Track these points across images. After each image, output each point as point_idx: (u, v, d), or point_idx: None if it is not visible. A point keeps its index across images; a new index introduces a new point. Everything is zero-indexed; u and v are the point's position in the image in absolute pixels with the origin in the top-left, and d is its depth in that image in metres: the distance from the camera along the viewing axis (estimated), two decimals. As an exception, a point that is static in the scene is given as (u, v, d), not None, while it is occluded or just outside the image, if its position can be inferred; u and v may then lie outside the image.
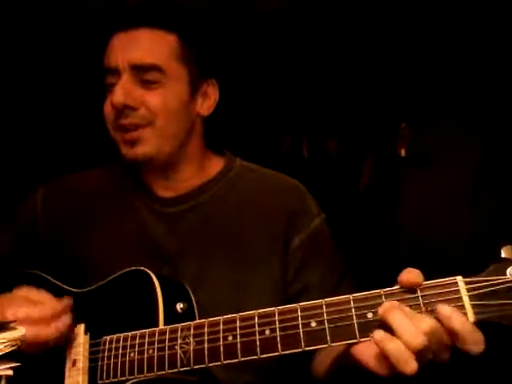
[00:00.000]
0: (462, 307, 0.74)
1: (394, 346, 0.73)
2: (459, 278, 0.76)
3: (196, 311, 0.98)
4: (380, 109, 3.49)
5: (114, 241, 1.13)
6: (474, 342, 0.73)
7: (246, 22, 3.05)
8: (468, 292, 0.75)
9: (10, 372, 0.86)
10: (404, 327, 0.72)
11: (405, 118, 3.48)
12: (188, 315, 0.96)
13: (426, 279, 0.79)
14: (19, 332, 0.88)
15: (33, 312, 0.92)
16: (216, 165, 1.18)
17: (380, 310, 0.76)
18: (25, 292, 0.97)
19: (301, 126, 3.61)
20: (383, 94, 3.46)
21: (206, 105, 1.15)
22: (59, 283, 1.10)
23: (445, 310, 0.74)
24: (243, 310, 0.89)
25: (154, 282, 0.97)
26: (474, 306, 0.74)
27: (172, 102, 1.07)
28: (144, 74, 1.06)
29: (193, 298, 1.00)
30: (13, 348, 0.86)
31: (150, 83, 1.06)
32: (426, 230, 3.37)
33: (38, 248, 1.19)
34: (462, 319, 0.73)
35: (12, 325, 0.88)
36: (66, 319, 0.95)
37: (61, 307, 0.95)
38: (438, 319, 0.74)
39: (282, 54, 3.29)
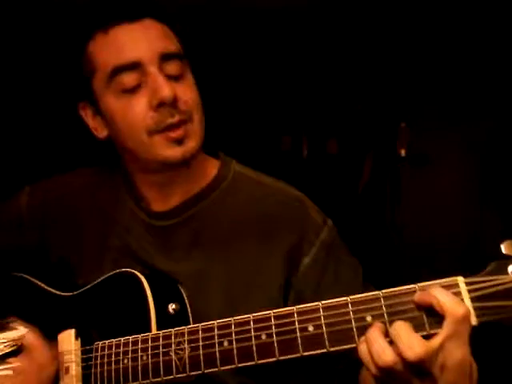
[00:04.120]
0: None
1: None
2: (460, 279, 0.72)
3: (189, 310, 0.95)
4: (380, 109, 3.49)
5: (102, 247, 1.09)
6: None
7: (245, 21, 3.05)
8: (469, 293, 0.71)
9: (10, 372, 0.86)
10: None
11: (405, 118, 3.48)
12: (181, 316, 0.94)
13: (427, 278, 0.76)
14: (19, 332, 0.88)
15: None
16: (210, 171, 1.09)
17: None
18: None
19: (301, 126, 3.61)
20: (383, 93, 3.46)
21: None
22: (46, 287, 1.07)
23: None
24: None
25: (143, 284, 0.94)
26: (476, 309, 0.70)
27: (198, 93, 1.01)
28: (167, 66, 0.96)
29: (185, 296, 0.96)
30: (13, 348, 0.86)
31: (177, 78, 0.97)
32: (425, 230, 3.37)
33: (24, 249, 1.15)
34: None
35: (12, 325, 0.88)
36: None
37: None
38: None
39: (282, 53, 3.29)
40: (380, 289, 1.03)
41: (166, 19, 1.00)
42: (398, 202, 3.51)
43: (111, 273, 0.99)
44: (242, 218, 1.04)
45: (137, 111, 0.95)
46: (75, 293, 1.04)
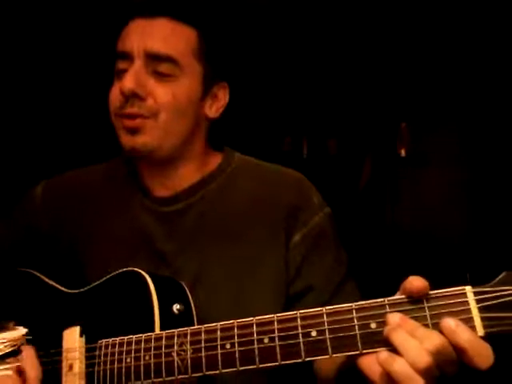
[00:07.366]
0: (471, 320, 0.69)
1: (398, 368, 0.69)
2: (468, 289, 0.70)
3: (194, 312, 0.96)
4: (380, 109, 3.49)
5: (112, 240, 1.12)
6: (482, 356, 0.67)
7: (245, 22, 3.05)
8: (477, 304, 0.69)
9: (10, 372, 0.86)
10: (407, 347, 0.68)
11: (405, 118, 3.48)
12: (185, 316, 0.94)
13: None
14: (19, 332, 0.88)
15: None
16: (214, 161, 1.15)
17: (385, 330, 0.71)
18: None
19: (301, 126, 3.61)
20: (383, 93, 3.46)
21: (215, 107, 1.12)
22: (53, 283, 1.08)
23: (449, 323, 0.68)
24: (243, 310, 0.87)
25: (148, 284, 0.94)
26: (483, 319, 0.68)
27: (181, 98, 1.04)
28: (158, 64, 1.03)
29: (190, 297, 0.97)
30: (13, 348, 0.86)
31: (163, 75, 1.03)
32: (424, 229, 3.37)
33: (35, 243, 1.18)
34: (468, 333, 0.68)
35: (12, 325, 0.88)
36: None
37: None
38: (443, 333, 0.68)
39: (282, 53, 3.29)
40: (380, 287, 1.05)
41: (188, 20, 1.06)
42: (398, 202, 3.52)
43: (117, 271, 1.00)
44: (246, 201, 1.09)
45: (114, 91, 1.06)
46: (81, 290, 1.04)
